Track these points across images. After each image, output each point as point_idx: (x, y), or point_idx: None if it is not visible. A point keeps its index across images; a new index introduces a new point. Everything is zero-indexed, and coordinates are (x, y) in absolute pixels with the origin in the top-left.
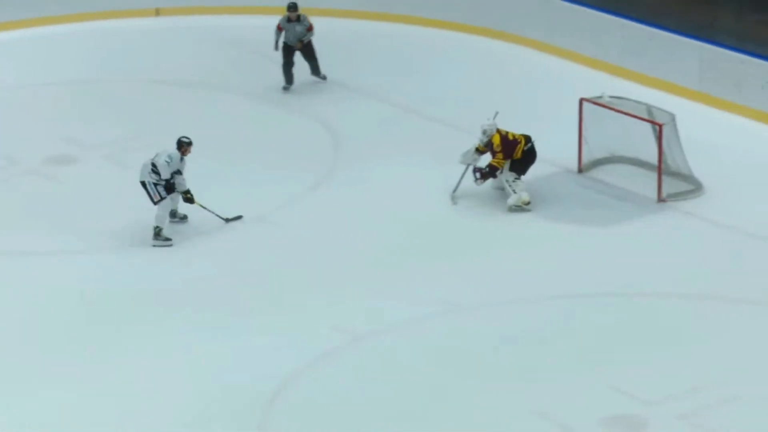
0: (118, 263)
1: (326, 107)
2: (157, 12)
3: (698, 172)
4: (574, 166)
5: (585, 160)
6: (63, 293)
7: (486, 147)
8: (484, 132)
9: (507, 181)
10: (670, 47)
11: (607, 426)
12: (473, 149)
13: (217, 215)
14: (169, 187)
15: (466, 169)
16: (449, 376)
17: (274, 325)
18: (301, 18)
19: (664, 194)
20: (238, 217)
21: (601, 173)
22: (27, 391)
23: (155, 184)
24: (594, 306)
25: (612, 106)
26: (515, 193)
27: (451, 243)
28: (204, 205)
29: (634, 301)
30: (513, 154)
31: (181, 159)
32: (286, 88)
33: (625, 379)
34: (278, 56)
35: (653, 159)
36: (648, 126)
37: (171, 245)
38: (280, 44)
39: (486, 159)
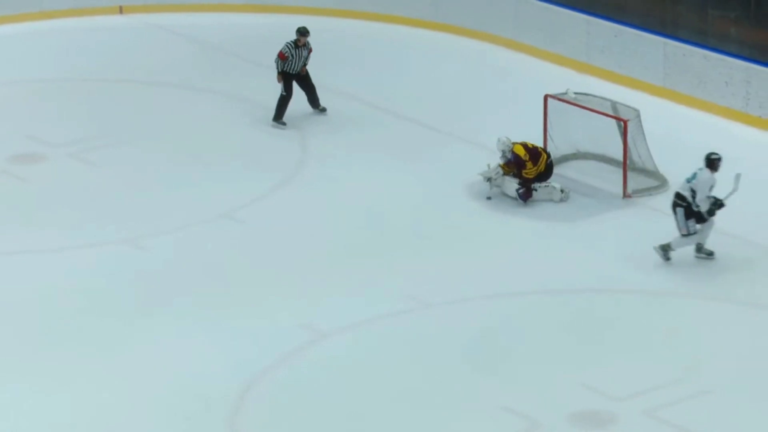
0: (85, 261)
1: (294, 105)
2: (121, 10)
3: (663, 168)
4: None
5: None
6: (29, 292)
7: (510, 165)
8: (503, 151)
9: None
10: (634, 43)
11: (575, 421)
12: (493, 165)
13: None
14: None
15: (490, 181)
16: (416, 372)
17: (240, 323)
18: (307, 44)
19: (629, 190)
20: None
21: (566, 169)
22: None
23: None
24: (561, 302)
25: (577, 103)
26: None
27: (417, 240)
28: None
29: (601, 297)
30: (539, 162)
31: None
32: (283, 125)
33: (593, 375)
34: (247, 54)
35: (618, 155)
36: (613, 122)
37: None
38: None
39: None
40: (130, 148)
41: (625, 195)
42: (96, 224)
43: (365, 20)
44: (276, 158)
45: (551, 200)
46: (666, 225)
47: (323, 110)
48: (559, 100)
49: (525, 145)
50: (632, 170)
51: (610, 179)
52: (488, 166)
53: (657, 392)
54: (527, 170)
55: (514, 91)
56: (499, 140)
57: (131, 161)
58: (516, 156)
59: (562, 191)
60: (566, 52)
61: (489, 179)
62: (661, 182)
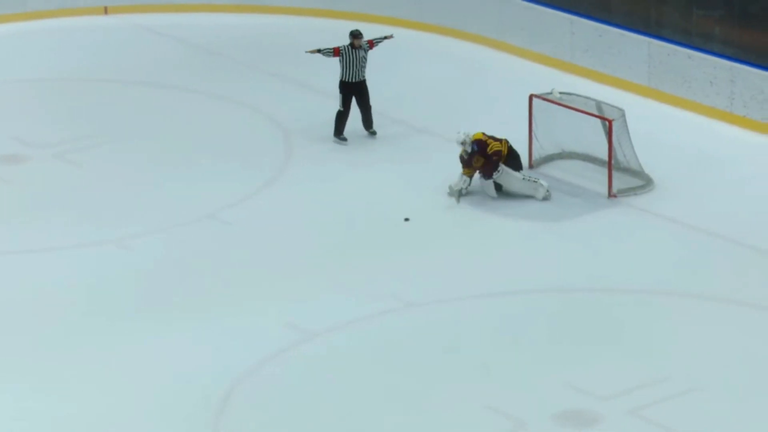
0: (69, 262)
1: (279, 105)
2: (106, 10)
3: (648, 168)
4: (525, 162)
5: (535, 156)
6: (13, 293)
7: (474, 158)
8: (463, 142)
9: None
10: (618, 43)
11: (560, 421)
12: (460, 176)
13: None
14: None
15: (460, 193)
16: (402, 372)
17: (226, 323)
18: (363, 45)
19: (614, 190)
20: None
21: (551, 169)
22: None
23: None
24: (546, 302)
25: (562, 102)
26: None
27: (404, 240)
28: None
29: (586, 296)
30: (500, 141)
31: None
32: (344, 140)
33: (578, 374)
34: (233, 54)
35: (603, 155)
36: (598, 122)
37: None
38: (321, 58)
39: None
40: (115, 148)
41: (611, 195)
42: (81, 225)
43: (350, 21)
44: (262, 158)
45: (534, 197)
46: (652, 224)
47: (373, 133)
48: (544, 99)
49: (483, 133)
50: (617, 170)
51: (595, 179)
52: (450, 187)
53: (642, 391)
54: (491, 146)
55: (498, 91)
56: (458, 134)
57: (116, 162)
58: (477, 142)
59: (547, 191)
60: (550, 51)
61: (459, 191)
62: (646, 182)
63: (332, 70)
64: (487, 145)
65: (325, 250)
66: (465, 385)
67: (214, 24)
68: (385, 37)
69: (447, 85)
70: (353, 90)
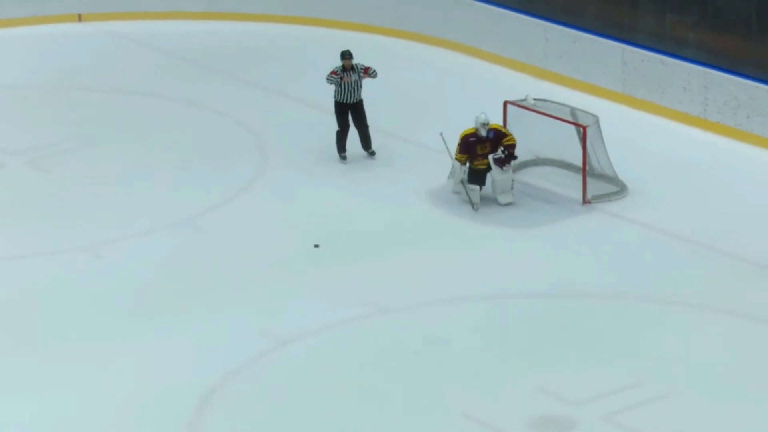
0: (42, 269)
1: (253, 112)
2: (80, 18)
3: (622, 174)
4: None
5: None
6: None
7: (483, 139)
8: (484, 123)
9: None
10: (592, 49)
11: (534, 427)
12: (456, 165)
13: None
14: None
15: (464, 184)
16: (376, 378)
17: (199, 330)
18: (356, 67)
19: (589, 196)
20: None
21: (526, 175)
22: None
23: None
24: (520, 307)
25: (536, 109)
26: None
27: (377, 244)
28: None
29: (560, 302)
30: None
31: None
32: (344, 158)
33: (553, 379)
34: (206, 61)
35: (578, 161)
36: (572, 128)
37: None
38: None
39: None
40: (89, 155)
41: (585, 201)
42: (53, 232)
43: (324, 27)
44: (236, 165)
45: (498, 201)
46: (626, 230)
47: (372, 154)
48: (519, 106)
49: (501, 126)
50: (592, 176)
51: (570, 185)
52: (451, 174)
53: (616, 396)
54: (508, 138)
55: (472, 97)
56: (481, 114)
57: (89, 169)
58: (495, 131)
59: (473, 204)
60: (524, 58)
61: (461, 181)
62: (621, 188)
63: (307, 78)
64: (505, 135)
65: (299, 257)
66: (439, 390)
67: (188, 31)
68: (369, 75)
69: (421, 91)
70: (348, 110)
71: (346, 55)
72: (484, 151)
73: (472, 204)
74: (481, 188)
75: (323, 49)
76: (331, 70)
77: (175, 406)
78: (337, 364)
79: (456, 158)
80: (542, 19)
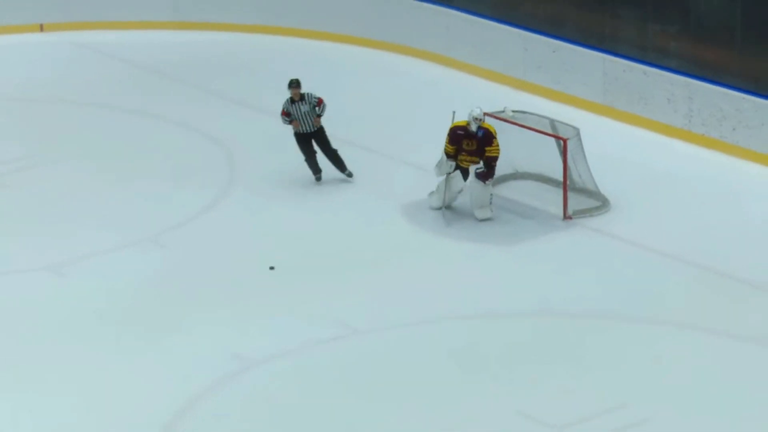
0: (3, 288)
1: (221, 125)
2: (42, 28)
3: (604, 187)
4: None
5: None
6: None
7: (471, 135)
8: (476, 118)
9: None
10: (572, 59)
11: None
12: (444, 158)
13: None
14: None
15: (447, 180)
16: (350, 400)
17: (166, 351)
18: (306, 97)
19: (569, 211)
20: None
21: (505, 190)
22: None
23: None
24: (499, 326)
25: (514, 121)
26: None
27: (349, 264)
28: None
29: (540, 320)
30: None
31: None
32: (318, 179)
33: (531, 402)
34: (172, 72)
35: (558, 175)
36: (552, 141)
37: None
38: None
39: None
40: (50, 170)
41: (566, 216)
42: (16, 250)
43: (293, 37)
44: (204, 180)
45: (475, 216)
46: (608, 246)
47: (350, 175)
48: (497, 118)
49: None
50: (572, 190)
51: (550, 200)
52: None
53: (600, 420)
54: (492, 147)
55: (449, 108)
56: (476, 109)
57: (51, 184)
58: (486, 132)
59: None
60: (503, 68)
61: (448, 174)
62: (602, 202)
63: (276, 89)
64: (493, 139)
65: (268, 275)
66: (415, 413)
67: (152, 41)
68: (316, 113)
69: (396, 102)
70: (310, 138)
71: (292, 84)
72: (469, 148)
73: (447, 177)
74: (460, 191)
75: (292, 59)
76: (281, 109)
77: (141, 429)
78: (307, 386)
79: (445, 150)
80: (521, 28)
